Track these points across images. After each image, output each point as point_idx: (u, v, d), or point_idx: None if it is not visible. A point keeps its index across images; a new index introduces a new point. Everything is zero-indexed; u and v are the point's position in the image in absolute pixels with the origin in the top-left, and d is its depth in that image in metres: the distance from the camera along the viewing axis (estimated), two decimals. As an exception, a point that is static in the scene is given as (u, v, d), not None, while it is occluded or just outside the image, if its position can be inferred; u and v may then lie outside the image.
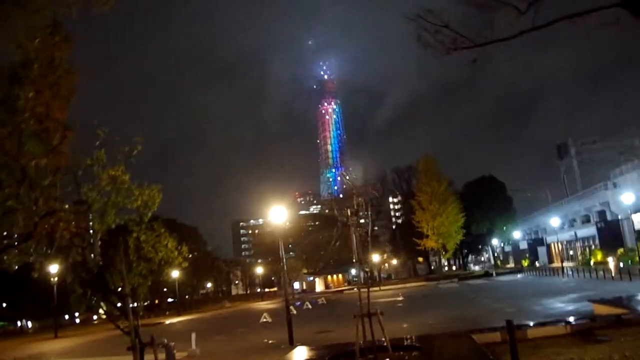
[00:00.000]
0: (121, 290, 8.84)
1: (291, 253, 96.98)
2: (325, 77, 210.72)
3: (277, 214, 19.71)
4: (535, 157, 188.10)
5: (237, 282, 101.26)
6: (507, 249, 79.00)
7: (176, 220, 77.57)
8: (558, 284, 33.17)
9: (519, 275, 53.56)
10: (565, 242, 60.33)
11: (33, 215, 6.39)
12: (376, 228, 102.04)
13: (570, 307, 19.10)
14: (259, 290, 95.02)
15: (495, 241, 74.20)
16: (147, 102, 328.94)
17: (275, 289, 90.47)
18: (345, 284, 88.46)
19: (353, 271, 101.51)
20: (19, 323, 76.59)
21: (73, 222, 7.03)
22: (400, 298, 36.45)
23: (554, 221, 51.76)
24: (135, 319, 9.09)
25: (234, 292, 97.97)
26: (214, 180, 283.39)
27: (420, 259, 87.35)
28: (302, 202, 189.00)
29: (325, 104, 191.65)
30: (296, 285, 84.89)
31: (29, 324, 71.52)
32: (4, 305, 75.94)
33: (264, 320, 27.77)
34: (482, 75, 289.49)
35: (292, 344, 16.91)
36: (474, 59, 11.67)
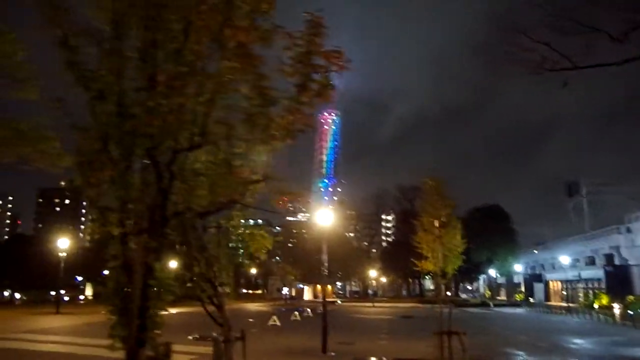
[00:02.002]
0: (215, 279, 8.54)
1: (277, 258, 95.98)
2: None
3: (324, 217, 19.01)
4: (538, 192, 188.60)
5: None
6: (500, 280, 78.81)
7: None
8: (571, 323, 32.78)
9: (518, 309, 53.07)
10: (565, 282, 60.10)
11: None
12: (365, 243, 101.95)
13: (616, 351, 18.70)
14: (244, 291, 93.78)
15: (491, 272, 73.99)
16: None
17: (261, 291, 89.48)
18: (334, 295, 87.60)
19: (338, 283, 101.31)
20: (5, 293, 75.23)
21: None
22: (409, 316, 35.84)
23: (564, 259, 51.45)
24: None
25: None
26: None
27: (409, 280, 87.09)
28: (291, 208, 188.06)
29: (326, 113, 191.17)
30: (285, 291, 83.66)
31: (17, 295, 70.01)
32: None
33: (273, 323, 26.99)
34: (492, 103, 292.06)
35: (325, 352, 16.39)
36: (565, 83, 11.26)
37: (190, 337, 14.88)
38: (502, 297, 75.09)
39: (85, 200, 5.60)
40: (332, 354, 16.13)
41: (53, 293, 78.37)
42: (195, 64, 5.04)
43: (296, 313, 33.01)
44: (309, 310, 38.16)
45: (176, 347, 16.93)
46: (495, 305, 57.24)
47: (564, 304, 53.29)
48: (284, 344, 18.40)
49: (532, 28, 10.28)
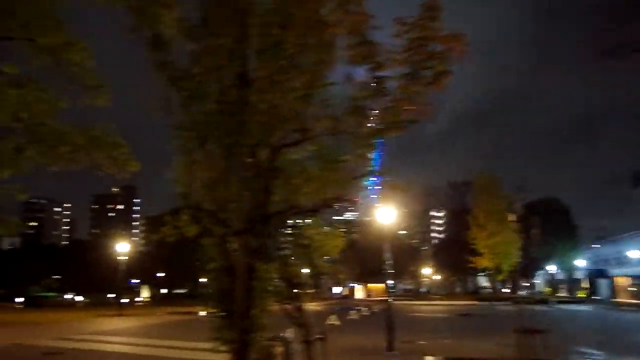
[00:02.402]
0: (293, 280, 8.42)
1: (325, 257, 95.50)
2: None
3: (386, 215, 18.46)
4: (598, 184, 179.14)
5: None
6: (560, 277, 75.65)
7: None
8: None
9: (582, 307, 50.67)
10: (634, 277, 56.66)
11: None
12: (416, 241, 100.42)
13: None
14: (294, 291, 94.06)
15: (551, 268, 71.14)
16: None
17: (311, 290, 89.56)
18: (386, 294, 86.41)
19: (390, 282, 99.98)
20: (66, 296, 78.96)
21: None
22: (466, 314, 34.78)
23: (633, 253, 48.54)
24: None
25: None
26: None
27: (461, 277, 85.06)
28: (337, 208, 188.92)
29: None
30: (336, 290, 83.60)
31: (78, 298, 73.28)
32: (56, 277, 78.50)
33: (332, 322, 26.71)
34: (547, 95, 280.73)
35: (390, 351, 16.06)
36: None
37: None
38: (563, 293, 72.02)
39: (180, 200, 5.44)
40: (398, 352, 15.69)
41: (111, 296, 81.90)
42: (295, 56, 4.78)
43: (353, 312, 32.67)
44: (364, 309, 37.77)
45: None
46: (557, 302, 54.99)
47: (634, 301, 50.49)
48: (347, 343, 18.10)
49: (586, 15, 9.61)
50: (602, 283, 63.65)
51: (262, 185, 4.90)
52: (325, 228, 10.67)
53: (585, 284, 68.41)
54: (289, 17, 4.69)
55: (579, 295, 65.23)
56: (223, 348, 5.12)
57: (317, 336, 12.40)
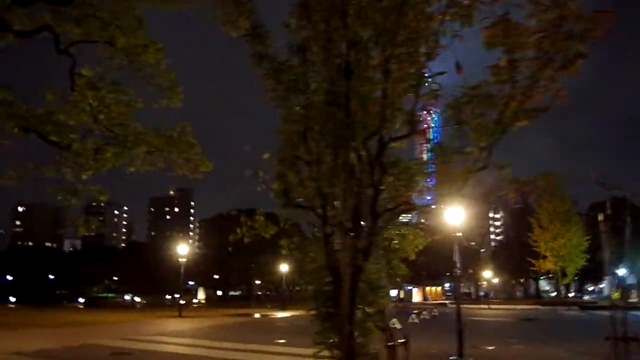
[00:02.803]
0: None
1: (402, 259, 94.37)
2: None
3: (454, 215, 17.59)
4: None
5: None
6: (630, 281, 71.34)
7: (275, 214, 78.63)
8: None
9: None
10: None
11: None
12: (473, 243, 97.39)
13: None
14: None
15: (621, 271, 67.15)
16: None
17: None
18: (443, 297, 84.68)
19: (447, 285, 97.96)
20: (126, 297, 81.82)
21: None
22: (531, 319, 33.09)
23: None
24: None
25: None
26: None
27: (521, 281, 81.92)
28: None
29: (425, 112, 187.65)
30: (393, 293, 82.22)
31: (136, 299, 75.62)
32: (115, 279, 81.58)
33: (394, 326, 26.02)
34: (615, 87, 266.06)
35: (461, 357, 15.15)
36: None
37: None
38: (634, 298, 67.89)
39: (279, 198, 5.13)
40: (471, 359, 14.93)
41: (169, 297, 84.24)
42: (407, 44, 4.37)
43: (413, 316, 31.82)
44: (425, 312, 36.83)
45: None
46: (627, 308, 51.80)
47: None
48: (414, 347, 17.38)
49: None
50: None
51: (371, 181, 4.53)
52: (404, 228, 10.18)
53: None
54: (403, 4, 4.30)
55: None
56: (326, 353, 4.73)
57: (400, 340, 11.98)
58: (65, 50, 7.81)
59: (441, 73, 4.58)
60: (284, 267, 57.03)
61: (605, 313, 44.80)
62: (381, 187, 4.67)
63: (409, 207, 5.17)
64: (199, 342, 19.25)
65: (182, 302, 71.60)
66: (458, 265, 19.20)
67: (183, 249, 38.46)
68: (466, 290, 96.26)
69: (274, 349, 17.28)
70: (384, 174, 4.69)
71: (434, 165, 5.74)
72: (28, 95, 7.79)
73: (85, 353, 15.04)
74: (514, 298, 79.27)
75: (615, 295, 60.36)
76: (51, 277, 79.69)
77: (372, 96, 4.40)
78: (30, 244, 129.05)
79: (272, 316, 38.04)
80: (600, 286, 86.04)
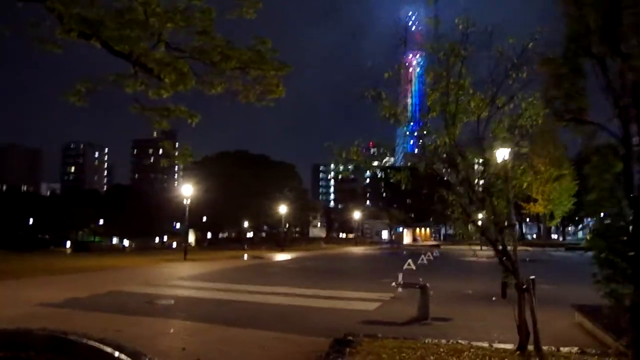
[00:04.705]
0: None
1: (367, 202, 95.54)
2: (413, 27, 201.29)
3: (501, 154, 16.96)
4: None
5: (317, 225, 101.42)
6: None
7: (267, 157, 77.45)
8: None
9: None
10: None
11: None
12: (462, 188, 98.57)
13: None
14: (335, 235, 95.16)
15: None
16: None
17: (353, 235, 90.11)
18: (432, 238, 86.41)
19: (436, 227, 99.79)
20: (114, 241, 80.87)
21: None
22: (534, 260, 33.70)
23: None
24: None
25: (310, 234, 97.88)
26: (296, 123, 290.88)
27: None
28: (375, 153, 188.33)
29: (411, 55, 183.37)
30: (385, 234, 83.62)
31: (126, 242, 74.80)
32: (101, 222, 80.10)
33: (409, 267, 26.11)
34: None
35: (504, 297, 15.34)
36: None
37: (393, 284, 14.10)
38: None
39: None
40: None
41: (158, 240, 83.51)
42: None
43: (423, 257, 32.14)
44: (429, 254, 37.44)
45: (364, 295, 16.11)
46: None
47: None
48: (446, 289, 17.25)
49: None
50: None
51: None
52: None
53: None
54: None
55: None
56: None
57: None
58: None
59: None
60: (282, 209, 56.72)
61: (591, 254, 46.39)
62: None
63: None
64: (229, 286, 18.65)
65: (174, 245, 71.26)
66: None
67: (187, 190, 36.96)
68: (450, 232, 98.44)
69: (329, 293, 16.75)
70: None
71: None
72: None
73: (120, 301, 14.27)
74: (497, 240, 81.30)
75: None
76: (31, 221, 77.22)
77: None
78: (4, 187, 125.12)
79: (277, 259, 37.88)
80: (579, 230, 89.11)
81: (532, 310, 7.60)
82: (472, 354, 7.49)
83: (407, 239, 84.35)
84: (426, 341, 8.59)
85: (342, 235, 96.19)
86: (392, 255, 46.63)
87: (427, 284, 12.06)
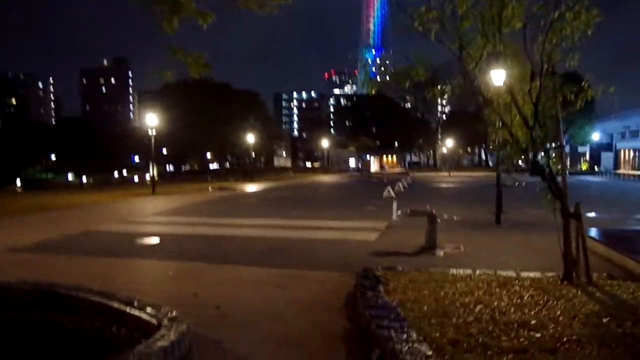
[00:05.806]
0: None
1: (332, 131, 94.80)
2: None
3: (498, 76, 16.22)
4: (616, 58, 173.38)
5: (282, 154, 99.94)
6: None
7: (230, 85, 74.16)
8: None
9: (595, 178, 52.15)
10: (636, 150, 60.30)
11: None
12: (420, 114, 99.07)
13: None
14: (301, 164, 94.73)
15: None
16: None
17: (319, 164, 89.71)
18: (399, 166, 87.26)
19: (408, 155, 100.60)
20: (69, 177, 77.02)
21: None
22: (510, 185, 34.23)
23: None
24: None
25: (275, 164, 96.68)
26: (258, 50, 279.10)
27: (468, 150, 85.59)
28: (337, 81, 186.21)
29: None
30: (352, 163, 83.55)
31: (84, 178, 71.13)
32: (53, 157, 75.88)
33: (388, 194, 25.90)
34: None
35: (499, 223, 15.66)
36: None
37: (399, 212, 13.58)
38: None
39: None
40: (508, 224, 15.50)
41: (117, 175, 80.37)
42: None
43: (399, 184, 32.09)
44: (404, 180, 37.51)
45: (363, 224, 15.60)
46: (570, 174, 56.72)
47: (636, 172, 53.66)
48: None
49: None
50: (606, 156, 65.83)
51: None
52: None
53: (588, 158, 70.64)
54: None
55: (583, 168, 67.63)
56: None
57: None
58: None
59: None
60: (250, 138, 54.85)
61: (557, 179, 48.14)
62: None
63: None
64: (212, 220, 17.79)
65: (135, 179, 68.60)
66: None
67: (152, 120, 33.71)
68: (415, 160, 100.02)
69: (320, 223, 16.16)
70: None
71: None
72: None
73: (98, 241, 13.10)
74: (462, 166, 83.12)
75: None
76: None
77: None
78: None
79: (249, 190, 36.90)
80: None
81: (583, 237, 7.10)
82: (519, 284, 6.99)
83: (374, 167, 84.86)
84: (454, 272, 8.06)
85: (308, 164, 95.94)
86: (364, 183, 46.60)
87: (435, 212, 11.50)
